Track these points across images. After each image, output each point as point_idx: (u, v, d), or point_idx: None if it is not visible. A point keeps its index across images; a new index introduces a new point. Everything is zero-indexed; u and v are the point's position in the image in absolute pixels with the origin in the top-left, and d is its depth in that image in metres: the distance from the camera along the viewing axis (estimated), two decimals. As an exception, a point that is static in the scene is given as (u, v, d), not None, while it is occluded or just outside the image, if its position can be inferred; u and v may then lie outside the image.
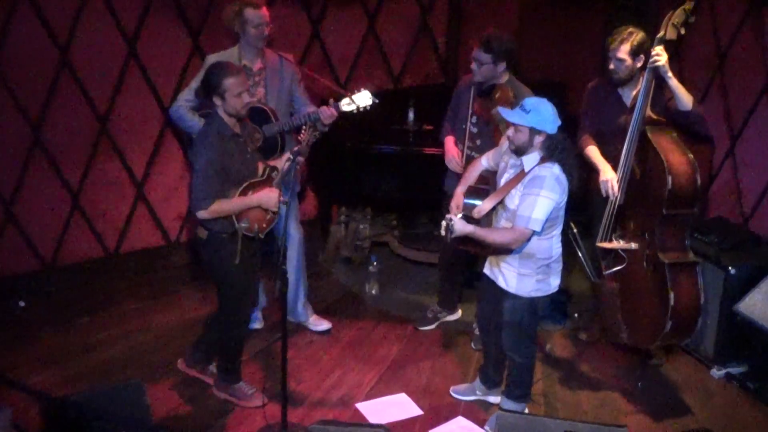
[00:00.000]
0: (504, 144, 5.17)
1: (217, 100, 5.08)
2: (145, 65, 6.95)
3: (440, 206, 6.07)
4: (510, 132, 4.94)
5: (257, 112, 5.86)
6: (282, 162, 5.31)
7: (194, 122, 5.88)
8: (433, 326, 6.62)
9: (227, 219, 5.14)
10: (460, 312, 6.74)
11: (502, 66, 5.80)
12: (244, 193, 5.15)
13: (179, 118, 5.96)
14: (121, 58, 6.84)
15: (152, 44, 6.92)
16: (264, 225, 5.27)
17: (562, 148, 4.92)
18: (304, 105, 6.10)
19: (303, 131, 5.22)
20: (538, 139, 4.90)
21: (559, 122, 4.90)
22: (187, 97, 5.92)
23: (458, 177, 5.85)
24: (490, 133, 5.83)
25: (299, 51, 7.57)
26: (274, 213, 5.29)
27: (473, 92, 5.97)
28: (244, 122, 5.30)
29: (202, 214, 5.10)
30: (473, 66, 5.83)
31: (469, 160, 5.84)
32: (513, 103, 5.56)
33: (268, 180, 5.29)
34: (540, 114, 4.85)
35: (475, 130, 5.96)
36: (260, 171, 5.29)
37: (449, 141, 6.10)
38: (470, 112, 5.98)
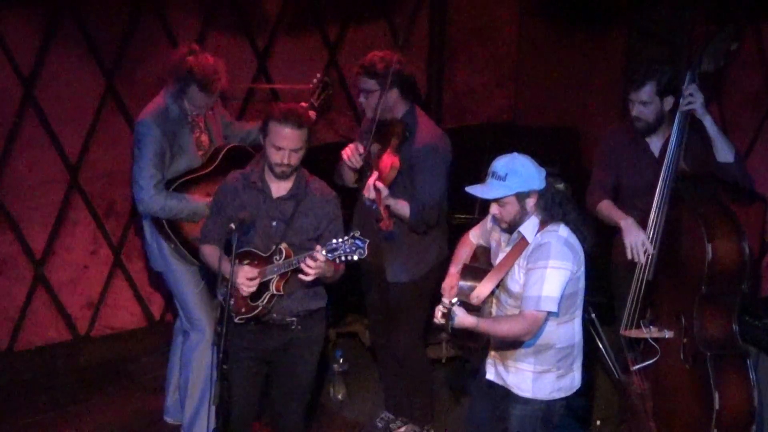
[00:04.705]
0: (488, 221, 5.20)
1: (262, 140, 5.31)
2: (46, 111, 6.92)
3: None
4: (494, 210, 4.92)
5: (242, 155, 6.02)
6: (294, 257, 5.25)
7: (183, 203, 5.92)
8: None
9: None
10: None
11: (395, 94, 5.89)
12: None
13: (162, 208, 5.91)
14: (15, 103, 6.82)
15: (55, 86, 6.90)
16: (243, 308, 5.28)
17: (561, 201, 4.91)
18: (231, 128, 6.45)
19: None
20: (531, 202, 4.88)
21: (543, 170, 4.90)
22: (149, 174, 5.87)
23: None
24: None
25: (242, 89, 7.59)
26: (252, 302, 5.28)
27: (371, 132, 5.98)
28: (304, 186, 5.35)
29: None
30: (361, 98, 5.96)
31: None
32: (401, 139, 5.76)
33: (267, 261, 5.27)
34: (518, 173, 4.82)
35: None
36: (267, 246, 5.30)
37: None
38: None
